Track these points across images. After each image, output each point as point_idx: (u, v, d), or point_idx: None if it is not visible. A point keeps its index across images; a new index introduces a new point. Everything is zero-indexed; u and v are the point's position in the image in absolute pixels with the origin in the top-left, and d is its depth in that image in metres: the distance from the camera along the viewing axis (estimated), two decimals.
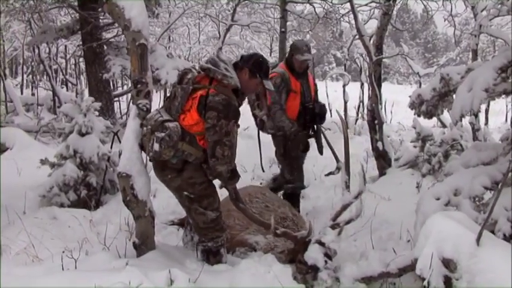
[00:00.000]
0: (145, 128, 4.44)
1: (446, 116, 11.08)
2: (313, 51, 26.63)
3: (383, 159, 8.87)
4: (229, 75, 4.48)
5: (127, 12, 4.62)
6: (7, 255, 4.94)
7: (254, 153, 6.76)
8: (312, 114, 6.27)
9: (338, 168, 5.52)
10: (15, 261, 4.75)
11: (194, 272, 4.22)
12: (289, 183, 6.59)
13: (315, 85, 6.51)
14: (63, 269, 4.24)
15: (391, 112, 18.72)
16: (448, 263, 3.27)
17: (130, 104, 11.37)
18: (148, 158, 4.57)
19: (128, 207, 4.63)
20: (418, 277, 3.54)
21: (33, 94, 21.16)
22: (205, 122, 4.37)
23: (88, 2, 11.97)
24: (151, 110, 4.67)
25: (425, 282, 3.32)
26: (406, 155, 9.29)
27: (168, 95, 4.89)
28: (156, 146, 4.28)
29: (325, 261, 4.45)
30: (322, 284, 4.33)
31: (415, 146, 9.48)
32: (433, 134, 9.43)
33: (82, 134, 6.86)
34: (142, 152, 4.64)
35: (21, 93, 23.39)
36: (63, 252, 4.41)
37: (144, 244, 4.67)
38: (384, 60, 10.13)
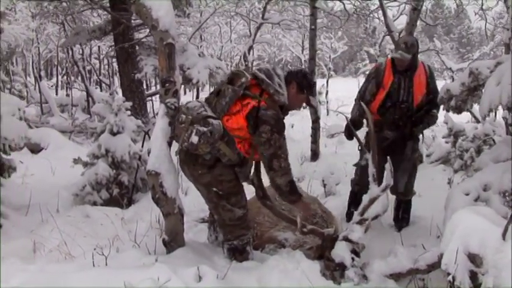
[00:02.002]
0: (184, 116, 4.38)
1: None
2: (345, 48, 26.60)
3: None
4: (281, 92, 4.50)
5: (154, 12, 4.67)
6: (40, 253, 5.03)
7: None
8: (404, 116, 5.86)
9: (365, 159, 5.47)
10: (49, 259, 4.83)
11: (223, 268, 4.24)
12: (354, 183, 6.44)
13: (430, 89, 5.88)
14: (94, 265, 4.32)
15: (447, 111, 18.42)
16: (474, 258, 3.23)
17: None
18: (178, 150, 4.57)
19: (157, 205, 4.69)
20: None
21: (67, 95, 21.51)
22: (259, 136, 4.40)
23: (119, 3, 12.06)
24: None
25: (449, 277, 3.30)
26: (438, 150, 9.23)
27: (200, 92, 4.88)
28: (195, 139, 4.24)
29: (352, 259, 4.43)
30: (350, 282, 4.32)
31: (447, 142, 9.40)
32: (465, 130, 9.32)
33: (113, 133, 6.95)
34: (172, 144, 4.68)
35: (56, 94, 23.81)
36: (95, 249, 4.49)
37: (173, 241, 4.72)
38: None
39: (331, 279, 4.40)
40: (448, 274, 3.30)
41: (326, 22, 18.85)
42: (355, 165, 6.24)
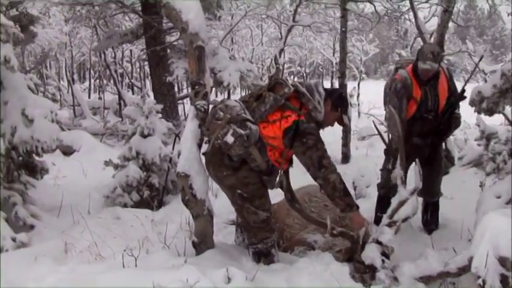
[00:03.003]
0: (222, 114, 4.35)
1: None
2: (376, 50, 26.43)
3: (446, 158, 8.71)
4: (319, 109, 4.51)
5: (184, 15, 4.70)
6: (72, 254, 5.09)
7: None
8: (432, 127, 5.75)
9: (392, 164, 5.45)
10: (79, 259, 4.88)
11: (251, 270, 4.23)
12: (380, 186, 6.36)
13: (451, 91, 5.79)
14: (123, 266, 4.35)
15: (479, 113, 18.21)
16: (504, 262, 3.19)
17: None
18: (209, 147, 4.54)
19: (187, 207, 4.71)
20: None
21: (100, 98, 21.74)
22: (303, 145, 4.43)
23: (151, 6, 12.16)
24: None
25: (479, 281, 3.26)
26: (470, 153, 9.11)
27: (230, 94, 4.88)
28: (230, 139, 4.21)
29: (383, 261, 4.40)
30: (380, 284, 4.29)
31: (479, 145, 9.26)
32: (498, 132, 9.18)
33: (144, 136, 7.02)
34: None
35: (89, 97, 24.11)
36: (125, 250, 4.53)
37: (203, 243, 4.74)
38: (449, 57, 9.92)
39: (360, 282, 4.37)
40: (478, 278, 3.26)
41: (357, 24, 18.74)
42: (381, 169, 6.20)
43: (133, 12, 13.39)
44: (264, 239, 4.72)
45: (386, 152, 5.92)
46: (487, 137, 9.09)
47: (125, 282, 3.80)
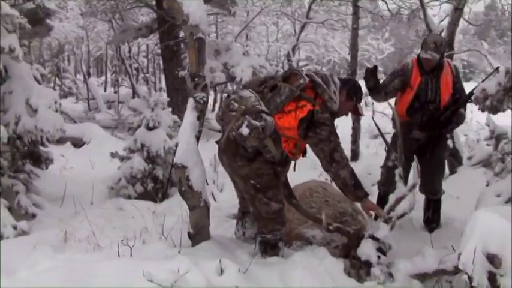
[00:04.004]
0: (236, 105, 4.33)
1: None
2: (392, 49, 26.32)
3: (454, 158, 8.67)
4: (334, 99, 4.54)
5: (185, 7, 4.71)
6: (71, 243, 5.14)
7: None
8: (432, 118, 5.72)
9: (392, 160, 5.43)
10: (78, 248, 4.94)
11: (245, 263, 4.20)
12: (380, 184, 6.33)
13: (456, 88, 5.75)
14: (119, 256, 4.38)
15: (471, 111, 18.17)
16: (492, 259, 3.16)
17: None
18: (223, 138, 4.58)
19: (184, 198, 4.73)
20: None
21: (115, 92, 21.84)
22: (316, 135, 4.46)
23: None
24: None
25: (465, 277, 3.24)
26: (479, 153, 9.04)
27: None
28: (246, 131, 4.17)
29: (378, 257, 4.39)
30: (375, 280, 4.28)
31: (488, 145, 9.19)
32: (508, 132, 9.11)
33: (150, 128, 7.06)
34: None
35: (105, 91, 24.20)
36: (122, 241, 4.55)
37: (198, 234, 4.75)
38: (464, 58, 9.79)
39: (356, 278, 4.36)
40: (466, 274, 3.23)
41: (372, 22, 18.64)
42: (382, 166, 6.17)
43: (147, 6, 13.44)
44: (274, 230, 4.72)
45: (387, 149, 5.89)
46: (497, 137, 9.00)
47: (117, 271, 3.80)
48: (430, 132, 5.69)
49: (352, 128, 10.73)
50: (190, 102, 4.75)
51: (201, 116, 4.69)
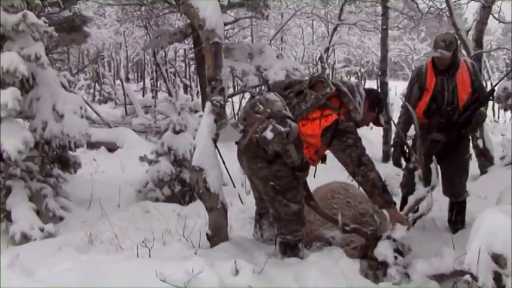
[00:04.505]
0: (262, 108, 4.36)
1: None
2: (428, 49, 25.92)
3: (484, 158, 8.56)
4: (359, 110, 4.57)
5: (201, 12, 4.81)
6: (95, 245, 5.25)
7: None
8: (450, 120, 5.61)
9: (413, 162, 5.40)
10: (100, 250, 5.04)
11: (261, 263, 4.26)
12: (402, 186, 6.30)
13: (474, 87, 5.60)
14: (138, 256, 4.47)
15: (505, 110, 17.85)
16: (498, 259, 3.13)
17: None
18: (245, 139, 4.57)
19: (201, 200, 4.83)
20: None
21: (153, 97, 22.09)
22: (342, 143, 4.47)
23: None
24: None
25: (467, 276, 3.22)
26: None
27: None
28: (270, 135, 4.20)
29: (395, 257, 4.39)
30: (391, 280, 4.28)
31: None
32: None
33: (176, 132, 7.16)
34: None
35: (143, 96, 24.50)
36: (143, 242, 4.65)
37: (216, 235, 4.83)
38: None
39: (373, 279, 4.37)
40: (471, 275, 3.21)
41: (405, 22, 18.43)
42: (404, 169, 6.13)
43: (180, 12, 13.57)
44: (293, 231, 4.74)
45: (408, 151, 5.84)
46: None
47: (133, 271, 3.89)
48: (448, 134, 5.63)
49: (384, 129, 10.65)
50: (208, 105, 4.84)
51: (218, 119, 4.76)
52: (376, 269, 4.43)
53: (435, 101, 5.57)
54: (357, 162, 4.48)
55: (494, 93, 5.48)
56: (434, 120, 5.61)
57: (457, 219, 5.96)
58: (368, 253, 4.55)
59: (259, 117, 4.32)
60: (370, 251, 4.52)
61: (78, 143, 6.06)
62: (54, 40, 6.68)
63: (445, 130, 5.61)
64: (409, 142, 5.84)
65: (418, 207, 4.82)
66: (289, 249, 4.76)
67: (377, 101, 4.81)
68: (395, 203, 4.68)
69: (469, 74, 5.56)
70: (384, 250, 4.42)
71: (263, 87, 16.90)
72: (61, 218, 5.97)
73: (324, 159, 4.84)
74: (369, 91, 4.83)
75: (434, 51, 5.41)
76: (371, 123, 4.95)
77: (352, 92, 4.56)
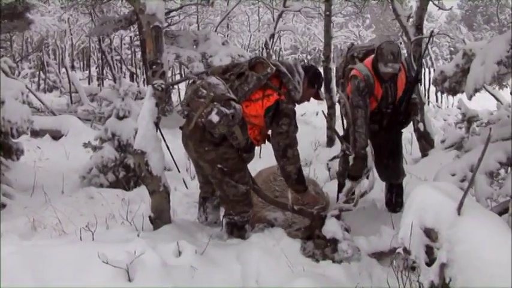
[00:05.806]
0: (205, 92, 4.40)
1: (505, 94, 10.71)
2: (373, 36, 26.36)
3: (425, 141, 8.78)
4: (298, 89, 4.70)
5: None
6: (38, 231, 5.24)
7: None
8: (391, 120, 5.71)
9: (343, 151, 5.53)
10: (43, 235, 5.07)
11: (204, 244, 4.31)
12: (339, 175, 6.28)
13: (408, 82, 5.64)
14: (81, 240, 4.48)
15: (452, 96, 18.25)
16: (429, 233, 3.23)
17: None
18: (191, 124, 4.59)
19: (143, 183, 4.86)
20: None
21: (99, 85, 21.86)
22: (278, 127, 4.63)
23: None
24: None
25: (400, 250, 3.31)
26: (451, 136, 9.14)
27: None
28: (215, 118, 4.28)
29: (344, 233, 4.52)
30: (343, 254, 4.40)
31: (460, 128, 9.32)
32: (479, 115, 9.22)
33: (120, 118, 7.14)
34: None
35: (89, 84, 24.22)
36: (86, 226, 4.66)
37: (159, 218, 4.87)
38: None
39: (321, 258, 4.49)
40: (404, 249, 3.31)
41: (344, 7, 18.55)
42: (332, 159, 6.27)
43: None
44: (241, 212, 4.86)
45: (340, 140, 5.94)
46: (468, 119, 9.15)
47: (76, 255, 3.90)
48: (392, 132, 5.79)
49: (328, 114, 10.78)
50: (149, 89, 4.85)
51: (159, 102, 4.78)
52: (324, 247, 4.54)
53: (379, 106, 5.60)
54: (282, 152, 4.68)
55: (420, 77, 5.56)
56: (375, 119, 5.65)
57: (397, 201, 6.08)
58: (315, 233, 4.66)
59: (203, 102, 4.37)
60: (317, 230, 4.63)
61: (21, 129, 5.99)
62: None
63: (387, 130, 5.75)
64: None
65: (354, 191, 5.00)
66: (236, 230, 4.89)
67: (316, 77, 4.98)
68: (306, 188, 4.95)
69: (404, 72, 5.61)
70: (332, 227, 4.56)
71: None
72: (3, 205, 5.91)
73: (268, 139, 4.94)
74: (307, 68, 4.97)
75: (384, 66, 5.22)
76: (311, 98, 5.11)
77: (291, 71, 4.69)
